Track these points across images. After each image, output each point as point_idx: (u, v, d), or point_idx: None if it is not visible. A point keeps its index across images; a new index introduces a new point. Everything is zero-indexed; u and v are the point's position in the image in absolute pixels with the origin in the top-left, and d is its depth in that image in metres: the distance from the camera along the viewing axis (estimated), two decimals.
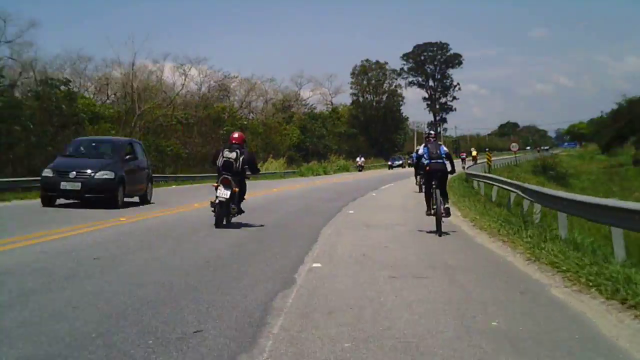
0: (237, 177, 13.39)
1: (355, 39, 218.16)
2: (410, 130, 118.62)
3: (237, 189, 13.34)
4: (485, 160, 49.62)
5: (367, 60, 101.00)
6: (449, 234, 13.36)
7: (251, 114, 79.75)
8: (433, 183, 13.35)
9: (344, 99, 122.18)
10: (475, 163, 59.45)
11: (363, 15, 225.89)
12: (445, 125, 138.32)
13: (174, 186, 35.69)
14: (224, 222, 13.24)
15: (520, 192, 17.57)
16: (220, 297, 6.61)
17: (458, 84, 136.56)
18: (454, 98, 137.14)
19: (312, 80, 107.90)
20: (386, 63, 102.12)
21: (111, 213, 15.58)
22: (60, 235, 10.99)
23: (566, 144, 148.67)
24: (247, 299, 6.57)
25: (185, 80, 67.71)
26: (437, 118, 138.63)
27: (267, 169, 57.52)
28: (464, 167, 54.04)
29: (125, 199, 18.32)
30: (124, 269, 8.17)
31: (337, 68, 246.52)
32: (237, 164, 13.32)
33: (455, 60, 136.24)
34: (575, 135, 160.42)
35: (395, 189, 32.60)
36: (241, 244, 11.09)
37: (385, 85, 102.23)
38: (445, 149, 13.83)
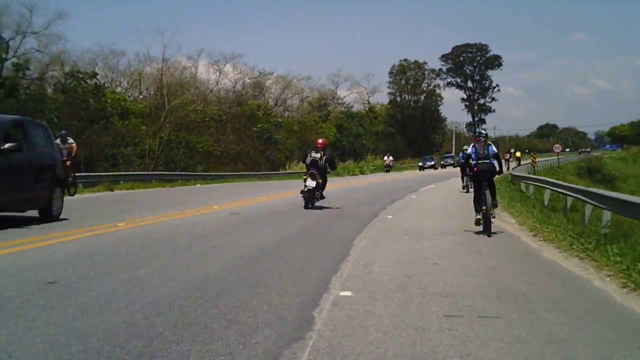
0: (320, 172, 17.85)
1: (393, 39, 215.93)
2: (448, 130, 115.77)
3: (320, 181, 17.79)
4: (530, 161, 46.99)
5: (405, 60, 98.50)
6: (507, 246, 11.35)
7: (287, 112, 77.84)
8: (483, 185, 13.04)
9: (381, 98, 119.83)
10: (519, 164, 57.69)
11: (401, 15, 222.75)
12: (484, 126, 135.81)
13: (197, 185, 33.62)
14: (310, 206, 17.40)
15: (585, 198, 15.11)
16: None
17: (497, 85, 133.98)
18: (493, 99, 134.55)
19: (350, 79, 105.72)
20: (425, 63, 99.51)
21: None
22: None
23: (607, 146, 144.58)
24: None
25: (219, 76, 66.28)
26: (476, 119, 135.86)
27: (301, 168, 55.53)
28: (507, 168, 53.18)
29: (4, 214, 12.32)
30: None
31: (375, 68, 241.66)
32: (321, 162, 17.96)
33: (495, 62, 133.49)
34: (616, 137, 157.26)
35: (437, 190, 30.25)
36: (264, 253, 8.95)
37: (423, 85, 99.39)
38: (494, 148, 13.37)
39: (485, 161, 13.03)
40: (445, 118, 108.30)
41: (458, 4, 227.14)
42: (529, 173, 35.38)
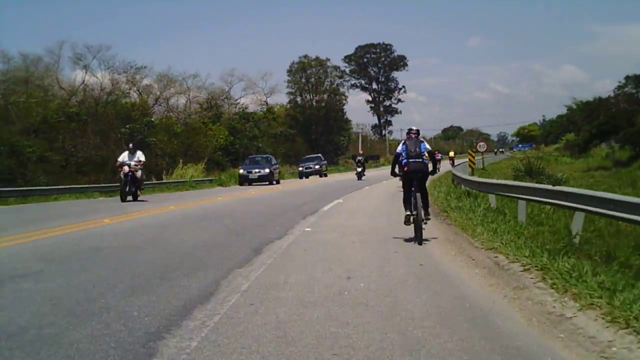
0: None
1: (291, 38, 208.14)
2: (354, 133, 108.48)
3: None
4: (469, 161, 39.54)
5: (305, 57, 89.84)
6: None
7: (171, 113, 68.01)
8: (412, 186, 11.74)
9: (280, 99, 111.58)
10: (453, 165, 53.85)
11: (300, 14, 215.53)
12: (390, 128, 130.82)
13: None
14: None
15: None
16: None
17: (403, 86, 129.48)
18: (399, 100, 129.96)
19: (245, 79, 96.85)
20: (327, 59, 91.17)
21: None
22: None
23: (520, 145, 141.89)
24: None
25: (86, 72, 55.99)
26: (382, 121, 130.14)
27: (180, 176, 46.12)
28: (438, 169, 48.57)
29: None
30: None
31: (273, 67, 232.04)
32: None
33: (400, 62, 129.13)
34: (524, 137, 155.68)
35: (358, 201, 22.81)
36: None
37: (326, 83, 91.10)
38: (427, 146, 12.08)
39: (417, 160, 11.76)
40: (350, 121, 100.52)
41: (360, 7, 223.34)
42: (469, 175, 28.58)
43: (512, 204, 16.59)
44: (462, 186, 22.89)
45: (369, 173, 54.67)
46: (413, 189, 11.68)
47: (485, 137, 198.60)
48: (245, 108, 77.64)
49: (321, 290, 7.08)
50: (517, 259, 8.23)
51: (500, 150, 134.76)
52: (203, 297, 6.81)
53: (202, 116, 70.33)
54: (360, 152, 59.65)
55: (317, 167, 58.49)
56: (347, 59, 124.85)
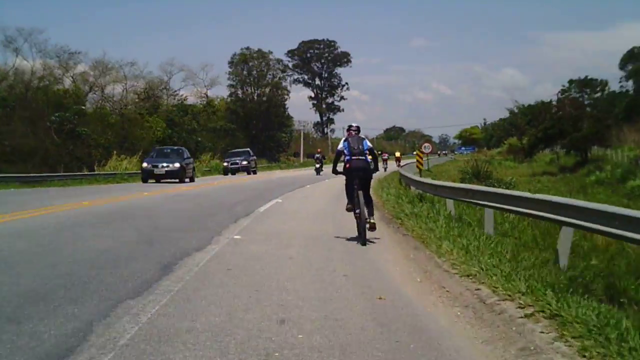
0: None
1: (235, 29, 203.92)
2: (296, 130, 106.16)
3: None
4: (416, 161, 37.63)
5: (247, 49, 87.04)
6: None
7: (106, 102, 64.48)
8: (355, 184, 11.43)
9: (221, 91, 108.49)
10: (399, 165, 54.86)
11: (245, 6, 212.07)
12: (332, 126, 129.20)
13: None
14: None
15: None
16: None
17: (346, 83, 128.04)
18: (342, 98, 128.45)
19: (185, 69, 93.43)
20: (270, 52, 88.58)
21: None
22: None
23: (463, 148, 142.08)
24: None
25: (17, 56, 52.23)
26: (324, 118, 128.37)
27: (114, 169, 43.10)
28: (385, 169, 51.19)
29: None
30: None
31: (214, 59, 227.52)
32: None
33: (344, 59, 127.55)
34: (467, 140, 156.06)
35: (299, 201, 20.78)
36: None
37: (268, 76, 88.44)
38: (369, 143, 11.81)
39: (360, 157, 11.48)
40: (292, 117, 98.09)
41: (304, 3, 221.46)
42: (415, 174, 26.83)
43: (471, 210, 14.70)
44: (413, 188, 20.93)
45: (308, 171, 52.63)
46: (355, 187, 11.42)
47: (427, 139, 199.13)
48: (184, 100, 74.54)
49: (241, 346, 4.78)
50: (509, 295, 6.08)
51: (444, 152, 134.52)
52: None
53: (139, 107, 67.09)
54: (319, 150, 57.18)
55: (244, 162, 51.48)
56: (291, 53, 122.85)
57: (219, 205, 17.93)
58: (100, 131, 53.51)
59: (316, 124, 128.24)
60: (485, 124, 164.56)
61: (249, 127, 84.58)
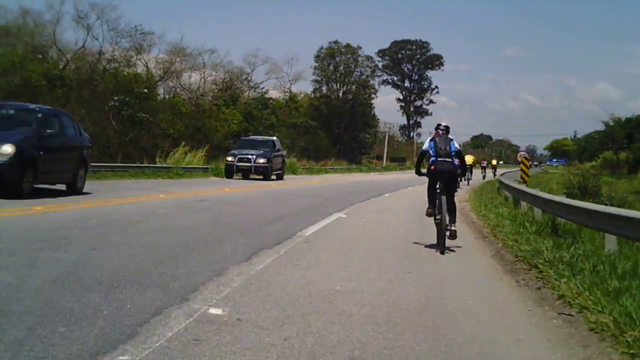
0: None
1: (324, 25, 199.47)
2: (381, 132, 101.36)
3: None
4: (521, 170, 30.90)
5: (336, 42, 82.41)
6: None
7: (184, 91, 61.44)
8: (437, 187, 10.70)
9: (305, 87, 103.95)
10: (495, 174, 53.46)
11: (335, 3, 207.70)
12: (419, 130, 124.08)
13: None
14: None
15: None
16: None
17: (436, 86, 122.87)
18: (431, 101, 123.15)
19: (269, 61, 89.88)
20: (359, 47, 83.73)
21: None
22: None
23: (554, 160, 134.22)
24: None
25: (87, 34, 49.24)
26: (411, 122, 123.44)
27: (176, 162, 39.24)
28: (484, 177, 50.54)
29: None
30: None
31: (300, 53, 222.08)
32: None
33: (436, 61, 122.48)
34: (557, 151, 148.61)
35: (370, 218, 15.23)
36: None
37: (355, 73, 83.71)
38: (457, 145, 11.01)
39: (447, 159, 10.70)
40: (378, 118, 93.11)
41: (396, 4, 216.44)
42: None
43: None
44: (524, 204, 16.13)
45: (390, 177, 48.00)
46: (438, 190, 10.73)
47: (515, 149, 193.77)
48: (265, 93, 70.73)
49: None
50: None
51: (534, 163, 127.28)
52: None
53: (216, 97, 63.75)
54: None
55: (261, 160, 32.83)
56: (381, 53, 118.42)
57: (251, 220, 13.18)
58: (170, 121, 50.18)
59: (402, 127, 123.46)
60: (575, 136, 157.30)
61: (331, 125, 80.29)
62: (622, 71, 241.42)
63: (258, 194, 21.64)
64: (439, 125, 11.36)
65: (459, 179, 11.51)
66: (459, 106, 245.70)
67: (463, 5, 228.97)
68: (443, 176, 10.68)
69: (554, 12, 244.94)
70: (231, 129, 60.18)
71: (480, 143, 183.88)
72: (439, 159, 10.67)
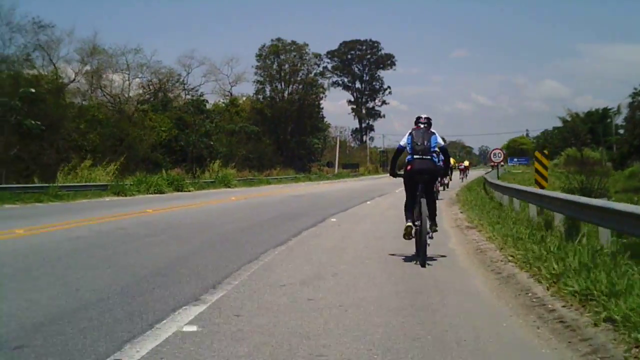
0: None
1: (268, 27, 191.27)
2: (332, 138, 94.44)
3: None
4: (537, 173, 24.68)
5: (279, 40, 75.02)
6: None
7: (106, 96, 53.28)
8: (417, 191, 9.36)
9: (247, 89, 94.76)
10: (466, 177, 52.07)
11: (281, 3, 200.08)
12: (372, 134, 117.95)
13: None
14: None
15: None
16: None
17: (389, 87, 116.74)
18: (384, 102, 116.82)
19: (206, 62, 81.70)
20: (306, 44, 76.28)
21: None
22: None
23: (515, 159, 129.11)
24: None
25: None
26: (364, 125, 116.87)
27: (86, 179, 31.21)
28: (462, 179, 49.21)
29: None
30: None
31: (241, 52, 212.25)
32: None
33: (387, 61, 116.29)
34: (515, 150, 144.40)
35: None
36: None
37: (302, 72, 76.20)
38: (439, 139, 9.61)
39: (425, 157, 9.35)
40: (329, 124, 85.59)
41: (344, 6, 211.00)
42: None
43: None
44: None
45: (342, 185, 40.72)
46: (418, 194, 9.29)
47: (468, 150, 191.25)
48: (200, 96, 62.71)
49: None
50: None
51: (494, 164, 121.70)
52: None
53: (141, 102, 55.85)
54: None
55: None
56: (330, 54, 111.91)
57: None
58: (81, 129, 42.15)
59: (354, 131, 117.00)
60: (527, 134, 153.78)
61: (277, 130, 72.68)
62: (569, 68, 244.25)
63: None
64: (418, 118, 9.92)
65: (441, 179, 9.54)
66: (410, 109, 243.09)
67: (411, 9, 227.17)
68: (423, 176, 9.35)
69: (500, 12, 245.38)
70: (160, 137, 52.39)
71: None
72: (415, 157, 9.40)
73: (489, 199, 22.37)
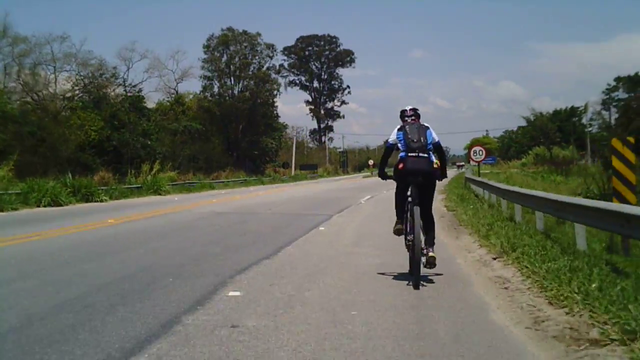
0: None
1: (216, 12, 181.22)
2: (289, 138, 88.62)
3: None
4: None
5: (229, 29, 68.55)
6: None
7: (25, 91, 46.62)
8: (409, 194, 7.93)
9: (194, 86, 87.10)
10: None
11: None
12: (331, 135, 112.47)
13: None
14: None
15: None
16: None
17: (348, 86, 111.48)
18: (343, 102, 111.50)
19: (149, 56, 74.70)
20: (259, 34, 69.92)
21: None
22: None
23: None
24: None
25: None
26: (322, 125, 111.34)
27: None
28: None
29: None
30: None
31: (187, 46, 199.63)
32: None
33: (347, 57, 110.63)
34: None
35: None
36: None
37: (253, 65, 69.66)
38: (435, 136, 8.10)
39: (421, 155, 7.83)
40: (281, 120, 79.19)
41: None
42: None
43: None
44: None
45: (300, 190, 34.81)
46: (410, 198, 7.84)
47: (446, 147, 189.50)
48: (139, 92, 56.02)
49: None
50: None
51: (459, 164, 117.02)
52: None
53: (70, 98, 49.27)
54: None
55: None
56: (287, 51, 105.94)
57: None
58: None
59: (313, 132, 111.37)
60: (486, 136, 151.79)
61: (226, 129, 66.27)
62: (526, 69, 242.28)
63: None
64: (403, 111, 8.37)
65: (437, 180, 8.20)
66: (369, 112, 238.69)
67: (368, 9, 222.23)
68: (416, 178, 7.86)
69: (457, 13, 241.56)
70: (89, 137, 45.84)
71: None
72: (410, 155, 7.86)
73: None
